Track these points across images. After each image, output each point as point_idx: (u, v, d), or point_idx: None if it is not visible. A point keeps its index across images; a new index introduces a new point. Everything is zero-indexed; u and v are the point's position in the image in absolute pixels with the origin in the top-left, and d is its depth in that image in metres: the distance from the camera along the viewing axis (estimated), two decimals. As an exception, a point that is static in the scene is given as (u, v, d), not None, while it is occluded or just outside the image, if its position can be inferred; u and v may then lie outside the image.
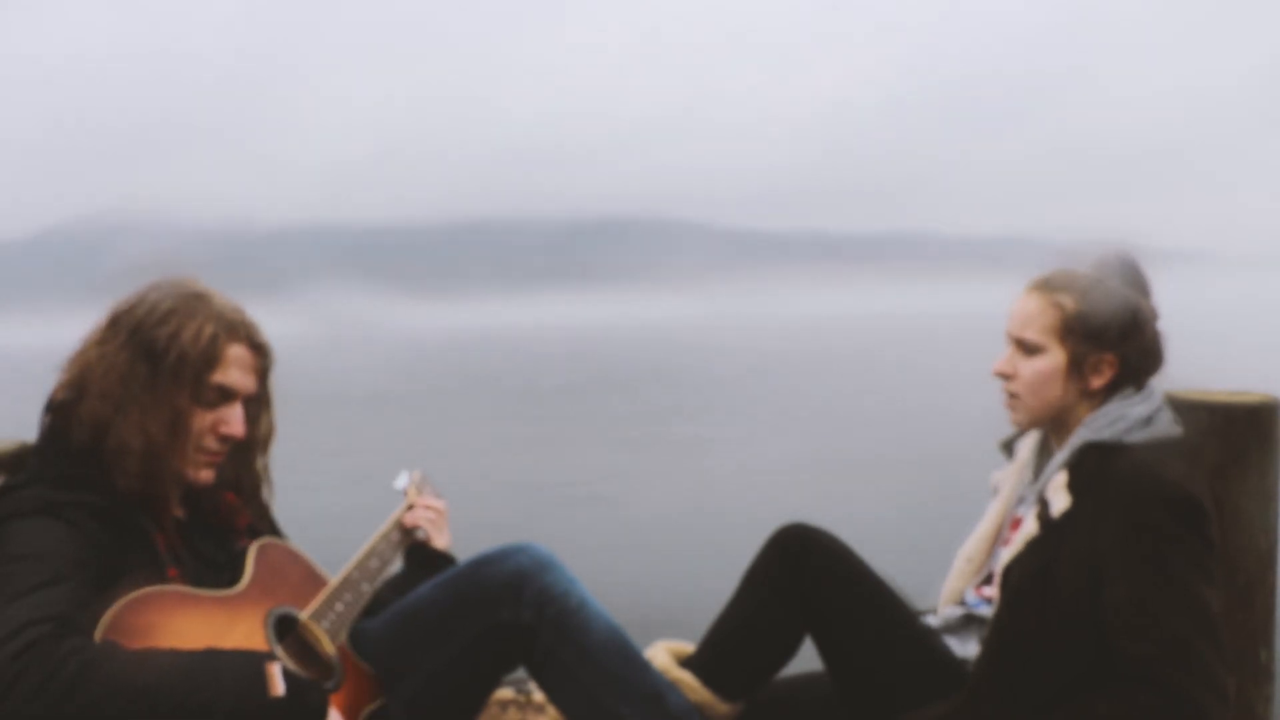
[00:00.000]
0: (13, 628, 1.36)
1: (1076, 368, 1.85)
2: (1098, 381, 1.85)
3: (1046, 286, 1.89)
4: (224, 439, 1.75)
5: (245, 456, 1.87)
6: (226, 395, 1.74)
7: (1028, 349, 1.88)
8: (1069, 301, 1.85)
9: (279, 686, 1.45)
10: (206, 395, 1.71)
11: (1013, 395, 1.91)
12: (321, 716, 1.51)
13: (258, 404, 1.83)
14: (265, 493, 1.92)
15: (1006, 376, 1.91)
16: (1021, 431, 2.03)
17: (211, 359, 1.70)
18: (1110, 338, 1.84)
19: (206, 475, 1.76)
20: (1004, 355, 1.92)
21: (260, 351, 1.79)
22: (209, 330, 1.70)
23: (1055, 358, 1.86)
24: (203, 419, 1.72)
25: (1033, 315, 1.88)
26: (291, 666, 1.61)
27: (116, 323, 1.70)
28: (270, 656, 1.48)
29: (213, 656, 1.45)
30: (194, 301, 1.72)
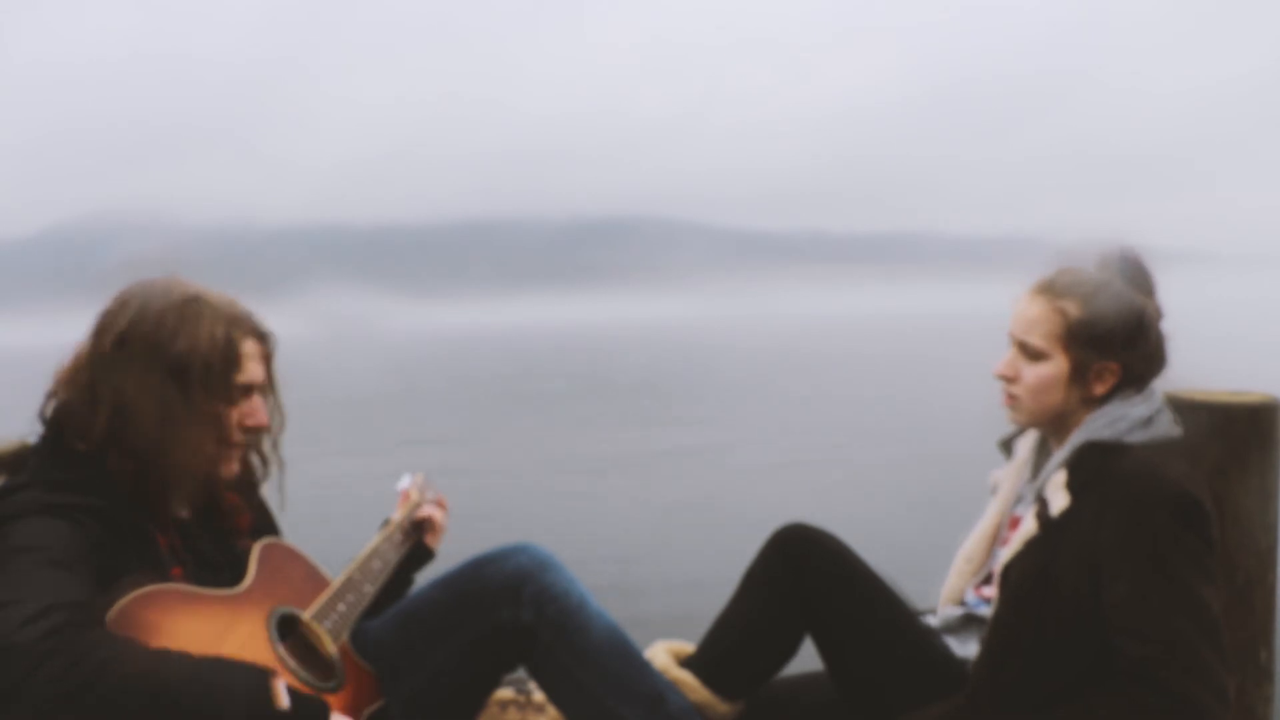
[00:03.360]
0: (39, 607, 1.35)
1: (1079, 375, 1.83)
2: (1100, 389, 1.84)
3: (1051, 290, 1.86)
4: (249, 430, 1.78)
5: (253, 447, 1.87)
6: (247, 390, 1.76)
7: (1030, 354, 1.86)
8: (1073, 308, 1.83)
9: (284, 700, 1.46)
10: (234, 396, 1.74)
11: (1012, 396, 1.90)
12: None
13: (264, 390, 1.84)
14: (277, 477, 1.92)
15: (1008, 379, 1.90)
16: (1020, 430, 2.02)
17: (232, 360, 1.72)
18: (1114, 346, 1.82)
19: (235, 468, 1.79)
20: (1006, 356, 1.90)
21: (264, 339, 1.81)
22: (221, 331, 1.71)
23: (1058, 364, 1.84)
24: (231, 417, 1.75)
25: (1036, 320, 1.85)
26: (294, 681, 1.61)
27: (125, 342, 1.67)
28: (275, 673, 1.48)
29: (223, 665, 1.45)
30: (195, 305, 1.71)
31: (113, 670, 1.34)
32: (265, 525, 1.93)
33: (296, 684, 1.62)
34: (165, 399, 1.65)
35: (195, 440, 1.68)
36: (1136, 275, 1.87)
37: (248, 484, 1.90)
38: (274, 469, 1.90)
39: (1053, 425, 1.90)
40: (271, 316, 1.85)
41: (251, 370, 1.76)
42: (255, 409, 1.77)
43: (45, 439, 1.69)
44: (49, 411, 1.70)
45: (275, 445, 1.88)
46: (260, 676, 1.46)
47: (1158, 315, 1.87)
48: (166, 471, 1.66)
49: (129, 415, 1.64)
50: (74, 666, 1.31)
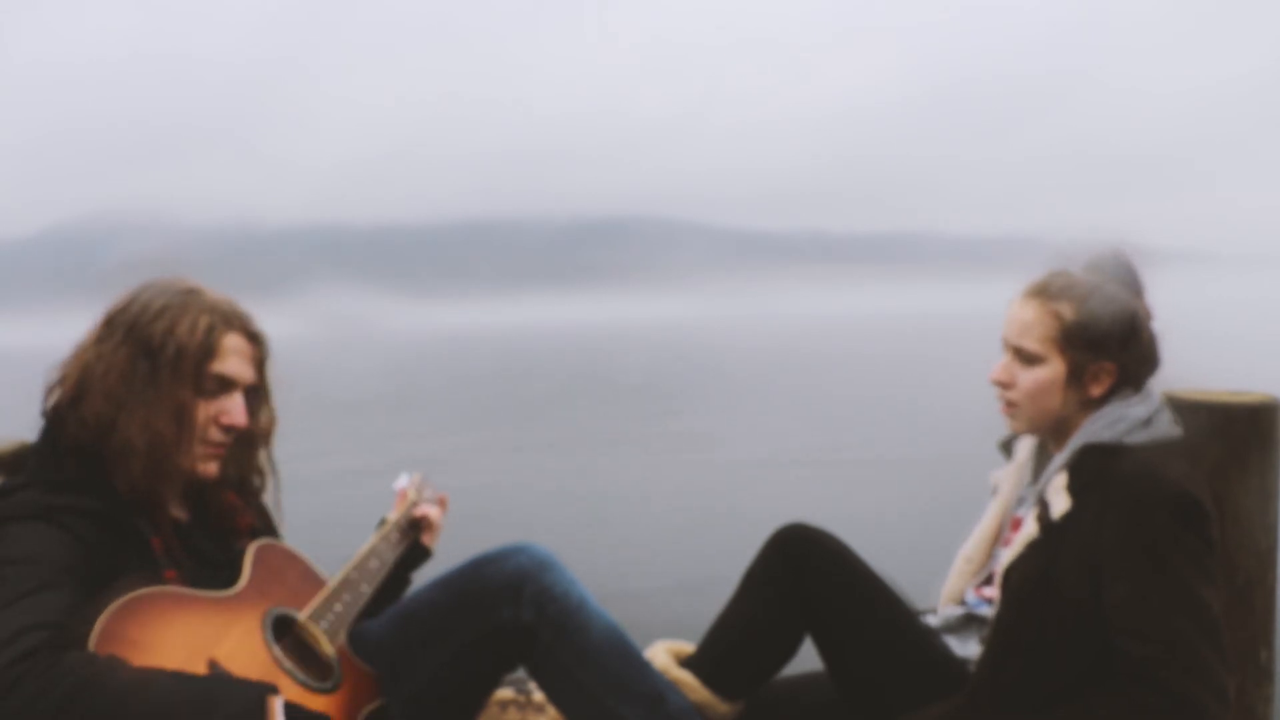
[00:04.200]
0: (9, 634, 1.35)
1: (1076, 377, 1.83)
2: (1097, 390, 1.83)
3: (1044, 293, 1.85)
4: (227, 430, 1.75)
5: (247, 453, 1.86)
6: (226, 385, 1.74)
7: (1026, 358, 1.85)
8: (1068, 310, 1.82)
9: None
10: (207, 386, 1.71)
11: (1010, 403, 1.89)
12: None
13: (258, 395, 1.82)
14: (271, 484, 1.92)
15: (1004, 385, 1.89)
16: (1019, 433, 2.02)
17: (209, 349, 1.70)
18: (1110, 347, 1.81)
19: (211, 468, 1.76)
20: (1000, 362, 1.89)
21: (256, 340, 1.80)
22: (204, 321, 1.70)
23: (1054, 368, 1.83)
24: (205, 410, 1.72)
25: (1030, 324, 1.85)
26: (290, 681, 1.60)
27: (111, 323, 1.70)
28: (272, 689, 1.46)
29: (214, 686, 1.43)
30: (186, 296, 1.72)
31: (86, 697, 1.32)
32: (265, 527, 1.93)
33: (293, 684, 1.62)
34: (130, 373, 1.65)
35: (148, 418, 1.64)
36: (1126, 276, 1.87)
37: (246, 486, 1.90)
38: (270, 473, 1.90)
39: (1052, 430, 1.89)
40: (271, 316, 1.84)
41: (233, 365, 1.73)
42: (232, 408, 1.74)
43: (43, 437, 1.70)
44: (48, 407, 1.70)
45: (268, 447, 1.87)
46: (254, 696, 1.42)
47: (1148, 315, 1.87)
48: (116, 446, 1.63)
49: (92, 383, 1.65)
50: (43, 694, 1.30)
